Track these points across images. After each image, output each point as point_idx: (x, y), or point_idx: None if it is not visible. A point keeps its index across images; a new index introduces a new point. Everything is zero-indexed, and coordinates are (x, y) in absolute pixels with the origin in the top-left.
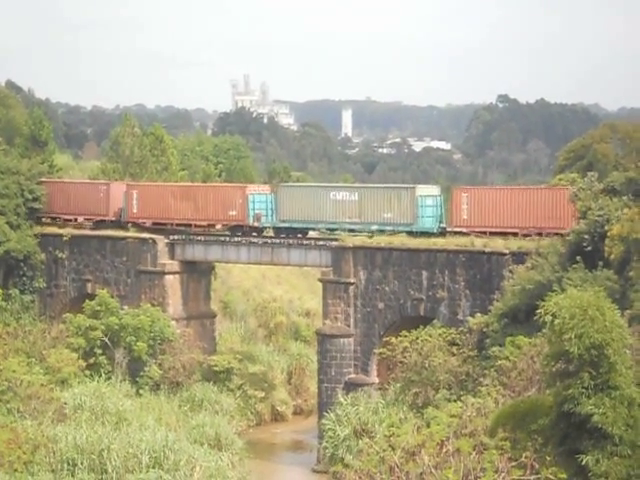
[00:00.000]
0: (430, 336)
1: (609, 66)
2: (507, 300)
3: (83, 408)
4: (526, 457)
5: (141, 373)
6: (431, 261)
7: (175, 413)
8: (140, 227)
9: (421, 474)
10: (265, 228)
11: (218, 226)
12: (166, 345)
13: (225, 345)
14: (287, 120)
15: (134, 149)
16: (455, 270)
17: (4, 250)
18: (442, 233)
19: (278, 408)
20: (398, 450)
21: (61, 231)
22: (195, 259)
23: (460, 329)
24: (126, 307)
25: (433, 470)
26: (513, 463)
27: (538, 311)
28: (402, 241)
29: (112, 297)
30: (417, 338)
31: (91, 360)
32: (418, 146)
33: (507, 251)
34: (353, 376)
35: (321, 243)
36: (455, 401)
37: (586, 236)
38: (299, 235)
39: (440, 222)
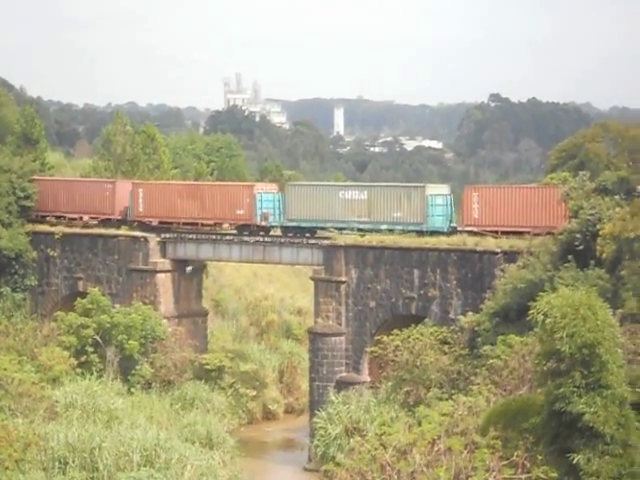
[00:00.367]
0: (422, 335)
1: (601, 65)
2: (499, 299)
3: (74, 406)
4: (517, 456)
5: (132, 371)
6: (423, 260)
7: (166, 411)
8: (146, 226)
9: (412, 473)
10: (273, 227)
11: (225, 225)
12: (158, 343)
13: (217, 343)
14: (279, 119)
15: (126, 147)
16: (447, 269)
17: None
18: (453, 232)
19: (270, 406)
20: (389, 449)
21: (53, 229)
22: (187, 257)
23: (452, 328)
24: (118, 305)
25: (424, 469)
26: (504, 462)
27: (530, 311)
28: (395, 240)
29: (104, 295)
30: (409, 337)
31: (82, 358)
32: (410, 145)
33: (499, 250)
34: (344, 375)
35: (313, 241)
36: (446, 400)
37: (578, 235)
38: (307, 235)
39: (450, 221)
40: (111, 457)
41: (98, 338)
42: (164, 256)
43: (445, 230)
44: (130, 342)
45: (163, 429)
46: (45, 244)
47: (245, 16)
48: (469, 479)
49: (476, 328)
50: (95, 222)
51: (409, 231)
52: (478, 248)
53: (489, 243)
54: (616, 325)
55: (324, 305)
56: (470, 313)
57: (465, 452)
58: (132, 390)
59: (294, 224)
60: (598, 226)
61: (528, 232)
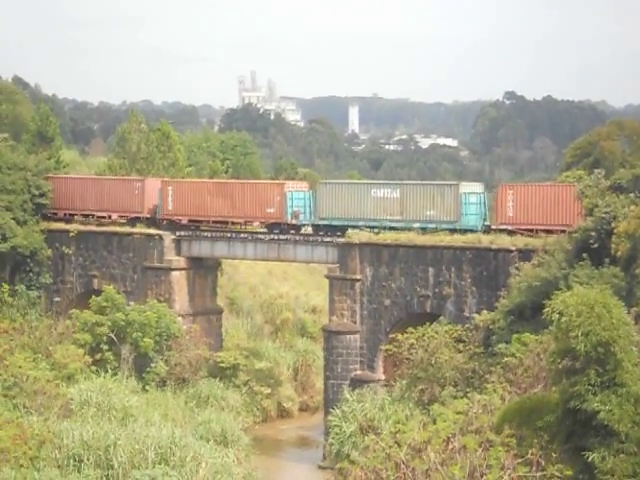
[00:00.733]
0: (436, 333)
1: (616, 63)
2: (513, 297)
3: (89, 404)
4: (532, 454)
5: (147, 369)
6: (438, 258)
7: (181, 409)
8: (176, 224)
9: (427, 471)
10: (303, 226)
11: (255, 223)
12: (172, 341)
13: (231, 341)
14: (294, 116)
15: (141, 145)
16: (462, 267)
17: (11, 246)
18: (486, 231)
19: (284, 404)
20: (404, 447)
21: (67, 227)
22: (201, 255)
23: (466, 326)
24: (132, 303)
25: (439, 467)
26: (519, 460)
27: (545, 309)
28: (410, 238)
29: (118, 293)
30: (423, 335)
31: (97, 356)
32: (425, 143)
33: (514, 248)
34: (359, 373)
35: (327, 239)
36: (461, 398)
37: (593, 233)
38: (338, 233)
39: (484, 220)
40: (126, 455)
41: (113, 336)
42: (179, 254)
43: (479, 229)
44: (145, 340)
45: (178, 427)
46: (60, 242)
47: (260, 14)
48: (484, 477)
49: (491, 326)
50: (124, 221)
51: (442, 230)
52: (493, 246)
53: (504, 241)
54: (631, 323)
55: (339, 303)
56: (485, 311)
57: (480, 450)
58: (147, 388)
59: (325, 222)
60: (613, 224)
61: (563, 230)
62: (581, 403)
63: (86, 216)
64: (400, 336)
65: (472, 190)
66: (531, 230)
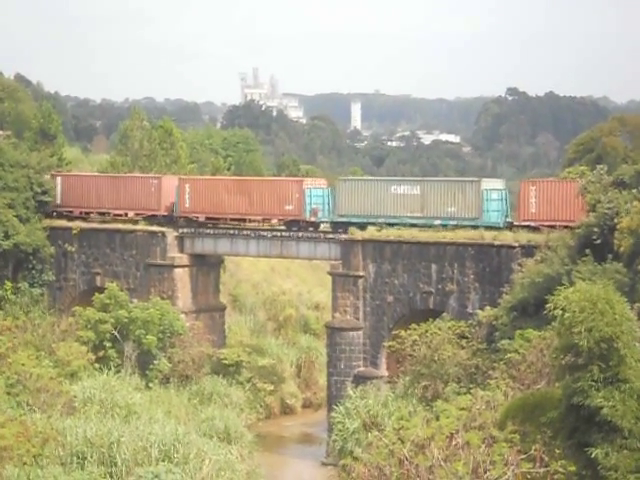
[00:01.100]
0: (439, 329)
1: (619, 59)
2: (516, 293)
3: (92, 401)
4: (535, 450)
5: (150, 366)
6: (440, 254)
7: (184, 406)
8: (193, 222)
9: (430, 467)
10: (322, 223)
11: (274, 221)
12: (175, 338)
13: (234, 338)
14: (296, 113)
15: (143, 142)
16: (464, 263)
17: (13, 243)
18: (509, 227)
19: (287, 401)
20: (407, 443)
21: (70, 224)
22: (204, 252)
23: (469, 322)
24: (135, 300)
25: (442, 463)
26: (522, 456)
27: (548, 305)
28: (412, 234)
29: (121, 290)
30: (426, 331)
31: (100, 353)
32: (427, 139)
33: (516, 244)
34: (362, 369)
35: (330, 236)
36: (464, 394)
37: (595, 229)
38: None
39: (506, 216)
40: (129, 452)
41: (116, 333)
42: (182, 251)
43: (501, 225)
44: (148, 337)
45: (181, 424)
46: (63, 239)
47: (262, 10)
48: (487, 473)
49: (494, 322)
50: (140, 218)
51: (464, 226)
52: (496, 242)
53: (507, 237)
54: (634, 319)
55: (342, 300)
56: (488, 307)
57: (483, 446)
58: (150, 385)
59: (344, 219)
60: (615, 220)
61: None
62: (584, 399)
63: (102, 214)
64: (403, 332)
65: (494, 186)
66: (554, 226)
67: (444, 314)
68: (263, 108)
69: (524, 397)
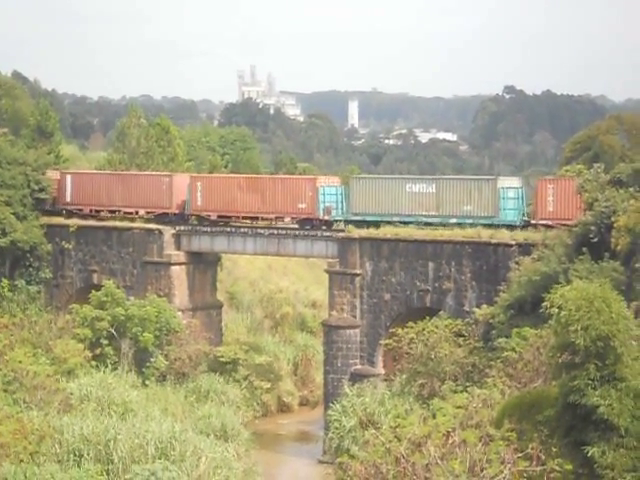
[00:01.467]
0: (436, 327)
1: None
2: (513, 291)
3: (89, 399)
4: (532, 448)
5: (147, 364)
6: (437, 252)
7: (181, 404)
8: (205, 220)
9: (427, 465)
10: (335, 221)
11: (287, 219)
12: (172, 336)
13: (231, 336)
14: (293, 111)
15: (140, 140)
16: (461, 261)
17: (10, 241)
18: (526, 226)
19: (284, 399)
20: (404, 441)
21: (67, 222)
22: (201, 250)
23: (466, 320)
24: (132, 298)
25: (439, 461)
26: (519, 454)
27: (544, 303)
28: (409, 232)
29: (118, 288)
30: (423, 329)
31: (97, 351)
32: (424, 137)
33: (513, 242)
34: (359, 367)
35: (327, 234)
36: (461, 392)
37: (592, 227)
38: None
39: (523, 215)
40: (126, 449)
41: (113, 331)
42: (179, 248)
43: (518, 224)
44: (145, 335)
45: (178, 421)
46: (60, 237)
47: (260, 8)
48: (484, 471)
49: (491, 320)
50: (152, 217)
51: (479, 225)
52: (493, 240)
53: (504, 235)
54: (631, 317)
55: (339, 298)
56: (485, 305)
57: (480, 444)
58: (147, 382)
59: (358, 218)
60: (613, 218)
61: None
62: (581, 397)
63: (113, 212)
64: (400, 330)
65: (510, 185)
66: (572, 225)
67: (441, 312)
68: (260, 106)
69: (521, 395)
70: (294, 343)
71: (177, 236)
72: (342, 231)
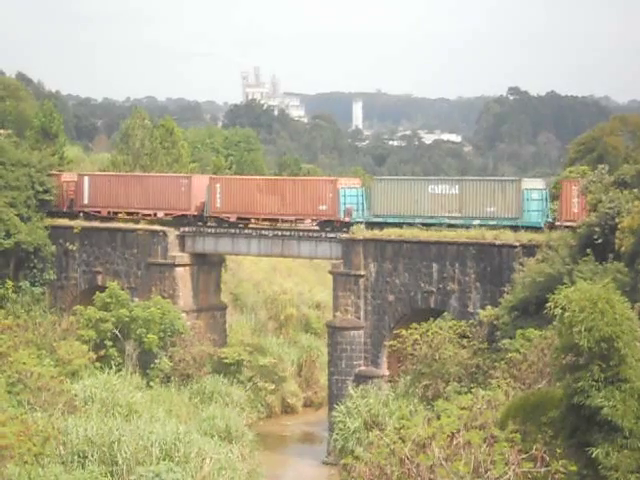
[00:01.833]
0: (440, 329)
1: (620, 58)
2: (517, 293)
3: (93, 400)
4: (536, 449)
5: (151, 365)
6: (442, 253)
7: (185, 405)
8: (224, 222)
9: (431, 466)
10: (356, 223)
11: (307, 221)
12: (176, 337)
13: (235, 337)
14: (297, 112)
15: (144, 141)
16: (465, 262)
17: (14, 242)
18: (550, 227)
19: (288, 400)
20: (408, 442)
21: (71, 223)
22: (205, 251)
23: (470, 322)
24: (136, 299)
25: (443, 462)
26: (523, 455)
27: (548, 304)
28: (413, 233)
29: (122, 289)
30: (427, 331)
31: (101, 352)
32: (428, 138)
33: (517, 243)
34: (363, 368)
35: (331, 235)
36: (465, 393)
37: (596, 228)
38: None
39: (547, 216)
40: (130, 451)
41: (117, 332)
42: (183, 250)
43: (542, 225)
44: (149, 336)
45: (182, 423)
46: (64, 238)
47: (264, 9)
48: (488, 472)
49: (495, 322)
50: (170, 219)
51: (503, 226)
52: (497, 242)
53: (508, 236)
54: (635, 319)
55: (343, 299)
56: (489, 307)
57: (484, 446)
58: (151, 384)
59: (380, 220)
60: (617, 219)
61: None
62: (585, 399)
63: (130, 214)
64: (404, 332)
65: (534, 186)
66: None
67: (445, 313)
68: (264, 107)
69: (525, 397)
70: (298, 344)
71: (181, 237)
72: (346, 232)
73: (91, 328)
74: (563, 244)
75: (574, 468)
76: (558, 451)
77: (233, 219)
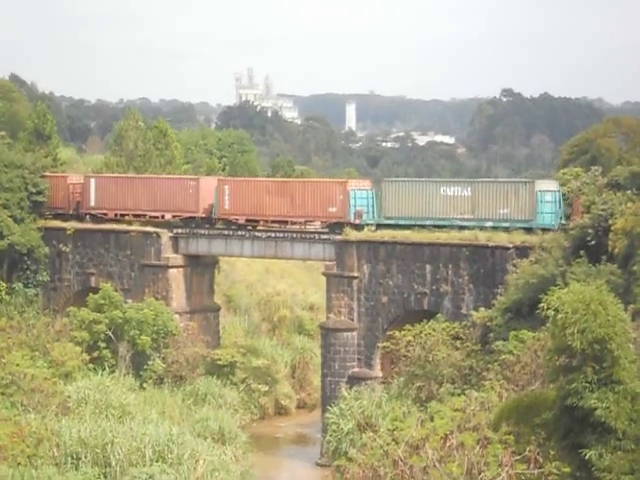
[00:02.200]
0: (434, 330)
1: (614, 60)
2: (511, 294)
3: (87, 402)
4: (530, 451)
5: (145, 367)
6: (435, 255)
7: (179, 407)
8: (232, 224)
9: (425, 468)
10: (367, 225)
11: (317, 223)
12: (170, 339)
13: (229, 339)
14: (291, 114)
15: (138, 143)
16: (459, 264)
17: (8, 244)
18: (564, 230)
19: (282, 402)
20: (402, 444)
21: (65, 225)
22: (199, 253)
23: (464, 323)
24: (130, 301)
25: (437, 464)
26: (517, 457)
27: (541, 305)
28: (406, 235)
29: (116, 291)
30: (421, 332)
31: (95, 354)
32: (422, 140)
33: (511, 245)
34: (357, 370)
35: (325, 237)
36: (459, 395)
37: (590, 230)
38: None
39: (560, 218)
40: (123, 452)
41: (110, 334)
42: (176, 251)
43: (555, 227)
44: (142, 337)
45: (175, 424)
46: (57, 240)
47: (257, 11)
48: (481, 474)
49: (488, 323)
50: (178, 221)
51: (516, 228)
52: (490, 243)
53: (501, 238)
54: (628, 320)
55: (336, 300)
56: (482, 308)
57: (477, 447)
58: (144, 385)
59: (391, 222)
60: (610, 221)
61: None
62: (578, 400)
63: (138, 216)
64: (397, 333)
65: (548, 188)
66: None
67: (438, 315)
68: (258, 109)
69: (518, 398)
70: (292, 346)
71: (175, 239)
72: (339, 234)
73: (84, 329)
74: (556, 246)
75: (567, 470)
76: (551, 452)
77: (242, 221)
